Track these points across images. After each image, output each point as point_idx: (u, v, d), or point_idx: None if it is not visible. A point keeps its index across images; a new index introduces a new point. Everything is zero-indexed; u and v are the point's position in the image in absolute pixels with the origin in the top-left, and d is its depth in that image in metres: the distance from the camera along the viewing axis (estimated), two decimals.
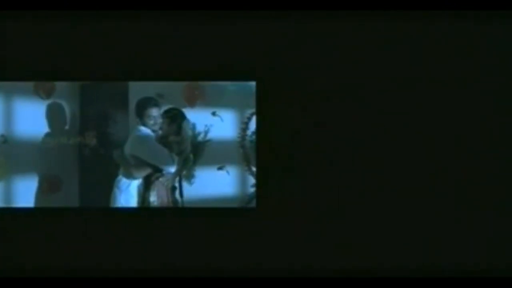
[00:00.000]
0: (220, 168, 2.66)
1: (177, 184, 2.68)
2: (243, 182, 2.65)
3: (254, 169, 2.62)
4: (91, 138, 2.65)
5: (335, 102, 2.61)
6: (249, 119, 2.63)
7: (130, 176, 2.63)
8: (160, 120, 2.64)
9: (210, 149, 2.65)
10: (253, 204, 2.61)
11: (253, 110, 2.61)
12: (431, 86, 2.61)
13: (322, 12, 2.58)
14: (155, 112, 2.62)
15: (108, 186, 2.63)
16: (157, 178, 2.66)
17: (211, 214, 2.62)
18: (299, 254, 2.61)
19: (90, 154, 2.65)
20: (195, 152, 2.66)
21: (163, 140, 2.67)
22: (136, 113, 2.63)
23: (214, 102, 2.65)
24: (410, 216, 2.61)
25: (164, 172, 2.66)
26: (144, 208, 2.65)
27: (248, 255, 2.62)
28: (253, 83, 2.59)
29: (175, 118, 2.66)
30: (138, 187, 2.65)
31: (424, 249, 2.61)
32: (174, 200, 2.68)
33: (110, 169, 2.63)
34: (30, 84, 2.63)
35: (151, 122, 2.63)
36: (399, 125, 2.61)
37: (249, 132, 2.64)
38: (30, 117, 2.63)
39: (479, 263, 2.60)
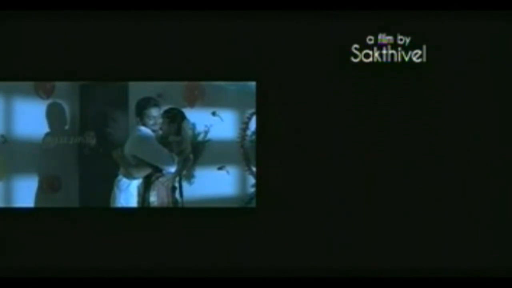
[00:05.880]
0: (220, 168, 2.66)
1: (177, 184, 2.68)
2: (243, 182, 2.65)
3: (254, 169, 2.62)
4: (91, 138, 2.65)
5: (335, 102, 2.61)
6: (249, 119, 2.63)
7: (130, 176, 2.63)
8: (160, 120, 2.64)
9: (210, 149, 2.65)
10: (253, 204, 2.61)
11: (253, 110, 2.61)
12: (429, 86, 2.61)
13: (322, 12, 2.58)
14: (155, 112, 2.62)
15: (108, 186, 2.63)
16: (157, 178, 2.66)
17: (211, 214, 2.62)
18: (299, 254, 2.61)
19: (90, 154, 2.65)
20: (195, 152, 2.66)
21: (163, 140, 2.67)
22: (136, 113, 2.63)
23: (214, 102, 2.65)
24: (410, 216, 2.61)
25: (164, 172, 2.66)
26: (144, 208, 2.65)
27: (248, 255, 2.61)
28: (253, 83, 2.59)
29: (175, 118, 2.66)
30: (138, 187, 2.64)
31: (424, 249, 2.61)
32: (174, 200, 2.68)
33: (110, 169, 2.64)
34: (30, 84, 2.63)
35: (151, 122, 2.63)
36: (400, 125, 2.61)
37: (249, 132, 2.64)
38: (30, 117, 2.63)
39: (480, 263, 2.60)
